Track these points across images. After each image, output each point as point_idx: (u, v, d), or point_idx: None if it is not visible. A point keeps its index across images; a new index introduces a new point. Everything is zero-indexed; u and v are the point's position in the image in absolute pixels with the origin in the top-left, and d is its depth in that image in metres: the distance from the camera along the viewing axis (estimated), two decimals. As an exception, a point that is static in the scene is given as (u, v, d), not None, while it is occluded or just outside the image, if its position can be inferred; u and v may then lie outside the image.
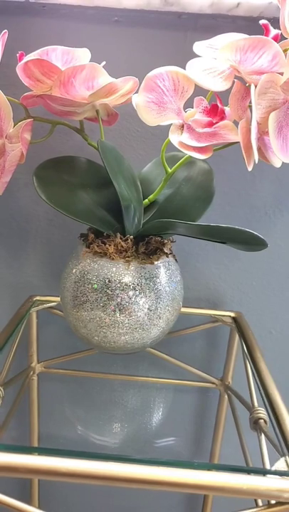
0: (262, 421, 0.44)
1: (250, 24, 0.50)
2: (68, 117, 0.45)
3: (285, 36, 0.41)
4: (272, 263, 0.59)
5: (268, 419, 0.44)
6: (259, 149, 0.42)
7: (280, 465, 0.34)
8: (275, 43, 0.38)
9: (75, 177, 0.47)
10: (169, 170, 0.44)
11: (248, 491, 0.31)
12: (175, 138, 0.39)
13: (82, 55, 0.42)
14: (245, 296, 0.61)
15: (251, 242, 0.39)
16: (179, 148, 0.39)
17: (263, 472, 0.33)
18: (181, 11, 0.49)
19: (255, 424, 0.44)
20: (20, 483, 0.70)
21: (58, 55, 0.41)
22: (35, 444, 0.62)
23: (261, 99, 0.39)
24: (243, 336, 0.52)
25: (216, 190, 0.55)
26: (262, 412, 0.45)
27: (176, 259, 0.47)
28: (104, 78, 0.40)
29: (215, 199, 0.56)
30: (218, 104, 0.40)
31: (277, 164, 0.43)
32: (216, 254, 0.59)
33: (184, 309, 0.58)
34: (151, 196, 0.45)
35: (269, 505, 0.32)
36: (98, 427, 0.64)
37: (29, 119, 0.43)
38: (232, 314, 0.58)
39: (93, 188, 0.46)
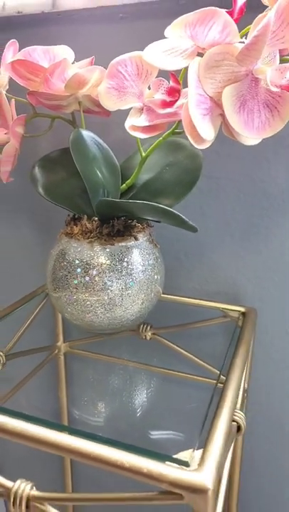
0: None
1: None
2: (59, 111, 0.49)
3: (265, 4, 0.39)
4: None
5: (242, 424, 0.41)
6: (226, 126, 0.40)
7: (184, 455, 0.32)
8: (224, 13, 0.36)
9: (70, 166, 0.50)
10: (144, 154, 0.44)
11: (147, 474, 0.30)
12: (130, 121, 0.40)
13: (62, 52, 0.45)
14: (265, 292, 0.56)
15: (184, 226, 0.37)
16: (129, 131, 0.39)
17: (166, 459, 0.32)
18: (176, -2, 0.49)
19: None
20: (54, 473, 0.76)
21: (39, 54, 0.45)
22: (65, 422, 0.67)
23: (215, 73, 0.37)
24: (241, 332, 0.49)
25: (229, 179, 0.54)
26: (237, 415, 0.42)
27: (155, 244, 0.47)
28: (72, 70, 0.43)
29: (228, 188, 0.54)
30: (173, 84, 0.39)
31: (247, 142, 0.40)
32: (233, 246, 0.56)
33: (193, 301, 0.57)
34: (128, 181, 0.46)
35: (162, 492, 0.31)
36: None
37: (21, 116, 0.48)
38: (242, 309, 0.54)
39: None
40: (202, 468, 0.30)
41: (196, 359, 0.57)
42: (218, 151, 0.53)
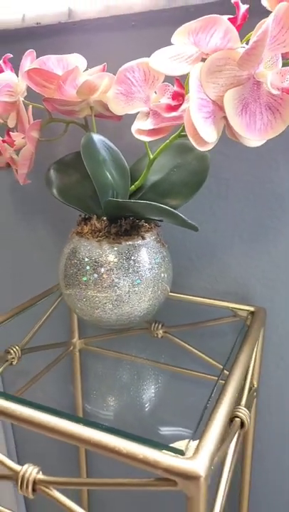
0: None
1: (258, 4, 0.48)
2: (73, 116, 0.51)
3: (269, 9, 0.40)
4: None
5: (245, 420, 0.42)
6: (229, 129, 0.41)
7: (180, 444, 0.33)
8: (225, 20, 0.37)
9: (83, 169, 0.52)
10: (151, 156, 0.46)
11: (143, 460, 0.32)
12: (136, 125, 0.41)
13: (74, 60, 0.47)
14: (275, 292, 0.57)
15: (185, 225, 0.38)
16: (135, 135, 0.41)
17: (163, 448, 0.33)
18: (186, 5, 0.50)
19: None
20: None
21: (54, 62, 0.47)
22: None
23: (217, 77, 0.39)
24: (248, 330, 0.50)
25: (238, 180, 0.55)
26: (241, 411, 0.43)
27: (162, 244, 0.48)
28: (82, 77, 0.45)
29: (237, 189, 0.55)
30: (177, 88, 0.40)
31: (250, 144, 0.41)
32: (242, 246, 0.57)
33: (203, 300, 0.58)
34: (137, 182, 0.47)
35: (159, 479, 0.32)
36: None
37: (36, 121, 0.50)
38: (251, 309, 0.54)
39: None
40: (196, 456, 0.31)
41: (205, 357, 0.58)
42: (227, 153, 0.54)
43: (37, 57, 0.49)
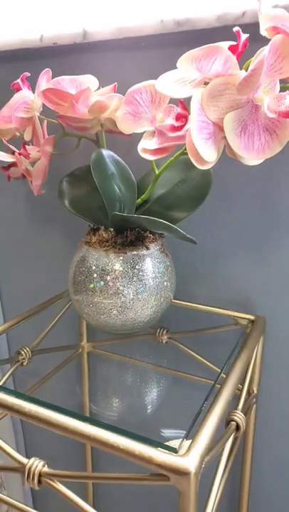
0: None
1: (257, 29, 0.50)
2: (85, 131, 0.54)
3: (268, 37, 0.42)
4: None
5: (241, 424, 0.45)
6: (229, 148, 0.43)
7: (174, 443, 0.35)
8: (225, 49, 0.40)
9: (93, 182, 0.55)
10: (157, 172, 0.49)
11: (138, 456, 0.34)
12: (142, 144, 0.44)
13: (87, 80, 0.51)
14: (276, 301, 0.59)
15: (184, 239, 0.41)
16: (140, 153, 0.43)
17: (157, 445, 0.35)
18: (192, 29, 0.53)
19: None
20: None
21: (67, 82, 0.51)
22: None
23: (218, 101, 0.41)
24: (246, 338, 0.52)
25: (241, 193, 0.57)
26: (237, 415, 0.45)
27: (166, 254, 0.51)
28: (94, 98, 0.48)
29: (240, 202, 0.57)
30: (180, 110, 0.43)
31: (248, 162, 0.43)
32: (245, 257, 0.59)
33: (207, 308, 0.60)
34: (143, 196, 0.50)
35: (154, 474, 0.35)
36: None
37: (50, 136, 0.53)
38: (251, 317, 0.57)
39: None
40: (187, 454, 0.33)
41: (206, 362, 0.60)
42: (230, 168, 0.56)
43: (53, 75, 0.53)
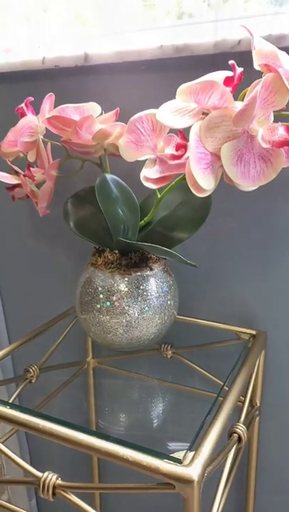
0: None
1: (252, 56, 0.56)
2: (88, 155, 0.60)
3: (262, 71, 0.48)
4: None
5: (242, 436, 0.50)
6: (226, 176, 0.49)
7: (178, 454, 0.41)
8: (221, 85, 0.46)
9: (97, 204, 0.61)
10: (159, 196, 0.54)
11: (146, 467, 0.40)
12: (144, 172, 0.50)
13: (90, 108, 0.56)
14: (278, 316, 0.64)
15: (183, 263, 0.47)
16: (143, 182, 0.49)
17: (164, 457, 0.41)
18: (190, 55, 0.58)
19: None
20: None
21: (71, 110, 0.56)
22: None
23: (215, 132, 0.47)
24: (247, 353, 0.57)
25: (242, 212, 0.63)
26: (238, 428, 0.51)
27: (169, 273, 0.56)
28: (97, 126, 0.54)
29: (241, 220, 0.63)
30: (179, 140, 0.49)
31: (244, 189, 0.49)
32: (246, 272, 0.65)
33: (210, 323, 0.66)
34: (146, 218, 0.56)
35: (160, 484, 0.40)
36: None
37: (55, 161, 0.59)
38: (253, 332, 0.62)
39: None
40: (191, 464, 0.39)
41: (210, 376, 0.66)
42: (230, 188, 0.62)
43: (55, 96, 0.58)
